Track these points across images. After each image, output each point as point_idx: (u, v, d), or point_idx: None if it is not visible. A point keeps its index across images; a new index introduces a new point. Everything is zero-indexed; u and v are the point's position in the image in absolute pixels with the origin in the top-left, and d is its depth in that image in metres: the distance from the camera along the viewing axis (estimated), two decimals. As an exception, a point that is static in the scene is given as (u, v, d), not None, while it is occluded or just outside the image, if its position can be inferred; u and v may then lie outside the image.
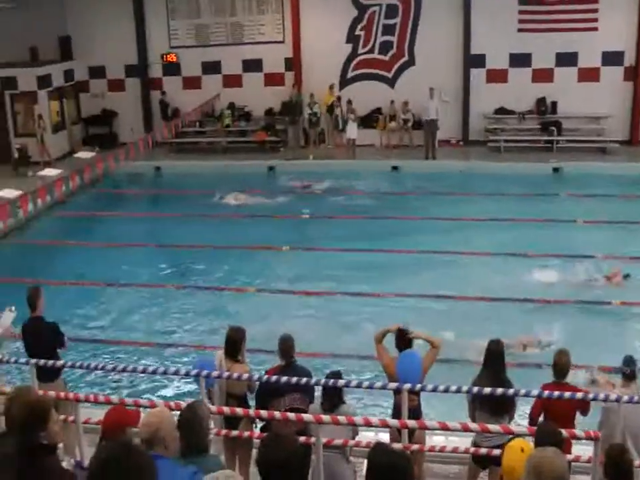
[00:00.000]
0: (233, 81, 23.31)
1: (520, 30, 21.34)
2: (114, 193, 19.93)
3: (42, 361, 6.98)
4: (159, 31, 23.56)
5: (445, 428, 5.89)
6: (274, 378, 6.25)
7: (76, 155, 21.10)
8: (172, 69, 23.71)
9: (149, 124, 23.67)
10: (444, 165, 19.95)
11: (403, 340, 6.73)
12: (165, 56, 23.61)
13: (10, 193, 16.34)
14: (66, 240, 16.02)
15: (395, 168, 20.37)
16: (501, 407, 6.23)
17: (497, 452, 5.90)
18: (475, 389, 6.10)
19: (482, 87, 21.84)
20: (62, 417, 6.07)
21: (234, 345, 6.71)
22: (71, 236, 16.26)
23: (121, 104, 24.08)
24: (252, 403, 6.79)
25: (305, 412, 6.15)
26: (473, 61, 21.75)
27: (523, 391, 6.16)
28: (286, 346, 6.53)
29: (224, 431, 6.39)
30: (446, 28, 21.69)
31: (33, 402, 3.89)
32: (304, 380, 6.20)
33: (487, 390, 5.99)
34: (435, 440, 7.02)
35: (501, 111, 21.98)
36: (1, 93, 22.23)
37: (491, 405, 6.22)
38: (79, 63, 24.04)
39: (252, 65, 23.13)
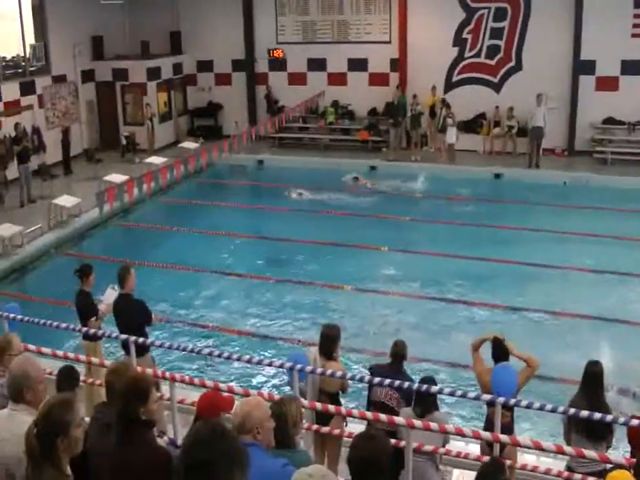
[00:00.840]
0: (337, 79, 23.38)
1: (634, 35, 20.36)
2: (216, 183, 20.37)
3: (141, 339, 7.24)
4: (266, 27, 23.89)
5: (538, 447, 5.68)
6: (374, 380, 6.19)
7: (181, 145, 21.75)
8: (278, 64, 24.02)
9: (253, 118, 24.06)
10: (548, 175, 19.33)
11: (500, 351, 6.54)
12: (271, 51, 23.95)
13: (117, 178, 17.02)
14: (167, 225, 16.53)
15: (497, 175, 19.91)
16: (598, 432, 5.94)
17: (592, 479, 5.65)
18: (572, 411, 5.83)
19: (591, 94, 20.97)
20: (158, 394, 6.23)
21: (329, 342, 6.70)
22: (172, 222, 16.77)
23: (227, 97, 24.62)
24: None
25: (397, 413, 6.09)
26: (582, 67, 20.91)
27: (622, 419, 5.84)
28: (399, 350, 6.63)
29: (315, 427, 6.39)
30: (555, 32, 20.99)
31: (137, 378, 4.00)
32: (397, 382, 6.13)
33: (584, 413, 5.73)
34: (527, 458, 6.79)
35: (610, 120, 21.10)
36: (113, 84, 23.17)
37: (588, 429, 5.94)
38: (188, 57, 24.75)
39: (357, 64, 23.13)
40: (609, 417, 5.75)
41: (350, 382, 6.80)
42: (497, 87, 22.14)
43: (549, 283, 12.92)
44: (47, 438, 3.36)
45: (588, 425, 5.88)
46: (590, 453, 5.45)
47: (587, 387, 6.14)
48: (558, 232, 15.10)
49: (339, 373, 6.45)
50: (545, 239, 14.89)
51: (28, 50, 20.66)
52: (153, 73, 23.19)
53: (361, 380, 6.39)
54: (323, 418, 6.47)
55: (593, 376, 6.13)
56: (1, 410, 4.15)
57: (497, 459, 4.38)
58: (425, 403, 6.08)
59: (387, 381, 6.20)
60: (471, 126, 22.08)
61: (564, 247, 14.69)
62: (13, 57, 20.58)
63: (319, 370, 6.45)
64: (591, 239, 14.79)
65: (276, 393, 7.48)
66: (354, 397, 8.03)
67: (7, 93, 19.43)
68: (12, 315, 7.68)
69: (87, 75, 22.82)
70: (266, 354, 10.12)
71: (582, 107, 21.04)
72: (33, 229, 15.11)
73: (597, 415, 5.68)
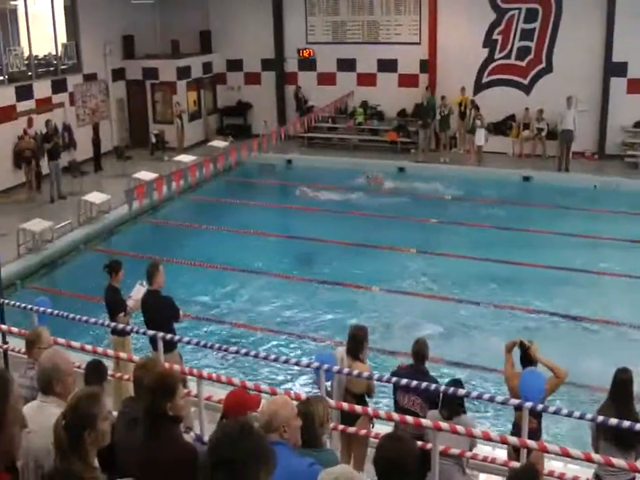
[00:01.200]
0: (366, 80, 23.32)
1: (668, 37, 20.03)
2: (245, 182, 20.42)
3: (168, 336, 7.26)
4: (296, 27, 23.92)
5: (566, 454, 5.61)
6: (395, 379, 6.16)
7: (210, 144, 21.87)
8: (307, 64, 24.03)
9: (282, 117, 24.11)
10: (578, 179, 19.07)
11: (528, 356, 6.48)
12: (301, 51, 23.98)
13: (146, 175, 17.17)
14: (195, 223, 16.57)
15: (526, 178, 19.70)
16: (627, 441, 5.84)
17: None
18: (600, 418, 5.74)
19: (622, 97, 20.63)
20: (185, 391, 6.24)
21: (356, 343, 6.66)
22: (201, 219, 16.80)
23: (256, 96, 24.68)
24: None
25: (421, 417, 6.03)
26: (613, 69, 20.59)
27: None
28: (419, 348, 6.52)
29: (340, 427, 6.37)
30: (587, 33, 20.69)
31: (164, 374, 4.02)
32: (424, 384, 6.08)
33: (613, 421, 5.63)
34: (554, 465, 6.70)
35: (641, 124, 20.79)
36: (143, 82, 23.37)
37: (617, 437, 5.85)
38: (218, 56, 24.87)
39: (387, 65, 23.05)
40: (639, 426, 5.65)
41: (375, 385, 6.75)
42: (527, 89, 21.91)
43: (577, 288, 12.78)
44: (74, 430, 3.39)
45: (617, 433, 5.79)
46: (619, 462, 5.37)
47: (615, 394, 6.05)
48: (587, 236, 14.94)
49: (365, 374, 6.41)
50: (574, 243, 14.73)
51: (60, 49, 20.91)
52: (183, 72, 23.36)
53: (388, 381, 6.33)
54: (349, 419, 6.44)
55: (622, 383, 6.04)
56: (31, 402, 4.19)
57: (531, 464, 4.32)
58: (452, 406, 6.02)
59: (412, 384, 6.12)
60: (500, 128, 21.91)
61: (593, 251, 14.52)
62: (45, 56, 20.85)
63: (346, 370, 6.42)
64: (621, 244, 14.57)
65: (302, 392, 7.46)
66: (381, 399, 8.00)
67: (39, 90, 19.69)
68: (42, 309, 7.76)
69: (118, 74, 23.05)
70: (293, 353, 10.13)
71: (613, 110, 20.73)
72: (62, 224, 15.28)
73: (626, 423, 5.59)
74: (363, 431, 6.38)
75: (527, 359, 6.50)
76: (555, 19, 21.24)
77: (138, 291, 8.33)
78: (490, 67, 22.23)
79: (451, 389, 6.03)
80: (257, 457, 2.73)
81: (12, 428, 2.48)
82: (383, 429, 6.53)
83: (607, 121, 20.88)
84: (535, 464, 5.13)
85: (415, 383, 6.11)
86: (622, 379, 6.04)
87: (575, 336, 10.92)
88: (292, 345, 10.80)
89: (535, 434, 6.23)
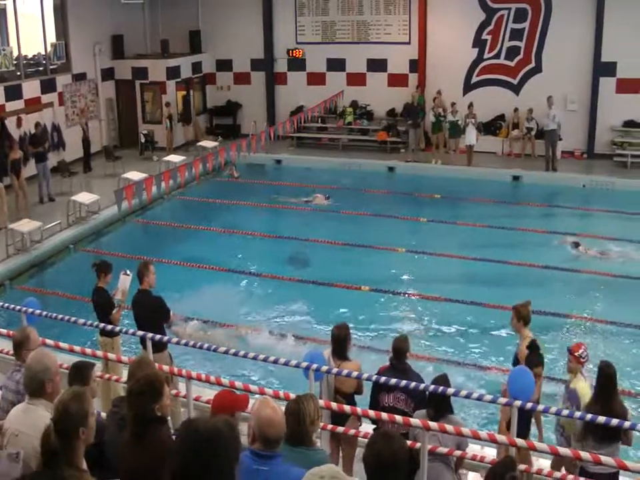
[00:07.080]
0: (356, 79, 23.38)
1: (657, 37, 20.11)
2: (234, 182, 20.38)
3: (158, 336, 7.25)
4: (286, 27, 23.96)
5: (554, 453, 5.68)
6: (383, 378, 6.17)
7: (199, 144, 21.82)
8: (297, 64, 24.05)
9: (271, 117, 24.10)
10: (566, 178, 19.15)
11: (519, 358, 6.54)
12: (290, 51, 23.99)
13: (135, 175, 17.11)
14: (184, 223, 16.53)
15: (516, 178, 19.76)
16: (607, 436, 5.89)
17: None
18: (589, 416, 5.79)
19: (611, 97, 20.74)
20: (174, 391, 6.24)
21: (341, 342, 6.64)
22: (190, 220, 16.75)
23: (246, 96, 24.69)
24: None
25: (408, 415, 6.03)
26: (602, 69, 20.69)
27: (627, 424, 5.76)
28: (400, 345, 6.44)
29: (330, 426, 6.36)
30: (576, 33, 20.80)
31: (151, 376, 4.02)
32: (404, 382, 6.08)
33: (601, 418, 5.68)
34: (542, 464, 6.73)
35: (631, 123, 20.82)
36: (132, 82, 23.29)
37: (597, 433, 5.90)
38: (207, 56, 24.85)
39: (376, 65, 23.11)
40: (614, 421, 5.69)
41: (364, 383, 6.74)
42: (516, 89, 22.00)
43: (565, 286, 12.82)
44: (68, 432, 3.39)
45: (602, 428, 5.83)
46: (607, 459, 5.42)
47: (598, 388, 6.11)
48: (575, 235, 14.99)
49: (354, 373, 6.39)
50: (562, 242, 14.78)
51: (49, 48, 20.79)
52: (173, 72, 23.30)
53: (378, 377, 6.31)
54: (338, 418, 6.43)
55: (604, 377, 6.08)
56: (17, 405, 4.18)
57: (508, 457, 4.35)
58: (439, 406, 5.98)
59: (398, 382, 6.11)
60: (489, 128, 21.99)
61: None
62: (34, 55, 20.73)
63: (334, 370, 6.41)
64: (613, 242, 14.63)
65: (292, 391, 7.45)
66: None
67: (28, 90, 19.58)
68: (30, 310, 7.73)
69: (107, 74, 22.97)
70: (282, 352, 10.10)
71: (602, 110, 20.83)
72: (52, 224, 15.22)
73: (601, 419, 5.67)
74: (352, 431, 6.38)
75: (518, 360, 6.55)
76: (544, 18, 21.34)
77: (124, 281, 8.28)
78: (479, 67, 22.30)
79: (440, 388, 5.97)
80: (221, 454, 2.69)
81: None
82: (370, 428, 6.54)
83: (596, 120, 21.00)
84: (510, 456, 5.16)
85: (401, 382, 6.10)
86: (604, 373, 6.08)
87: (563, 335, 10.96)
88: (282, 345, 10.77)
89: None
